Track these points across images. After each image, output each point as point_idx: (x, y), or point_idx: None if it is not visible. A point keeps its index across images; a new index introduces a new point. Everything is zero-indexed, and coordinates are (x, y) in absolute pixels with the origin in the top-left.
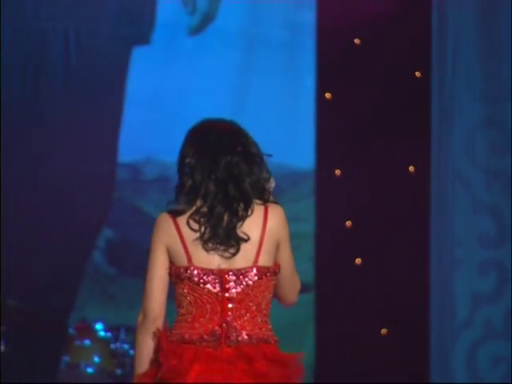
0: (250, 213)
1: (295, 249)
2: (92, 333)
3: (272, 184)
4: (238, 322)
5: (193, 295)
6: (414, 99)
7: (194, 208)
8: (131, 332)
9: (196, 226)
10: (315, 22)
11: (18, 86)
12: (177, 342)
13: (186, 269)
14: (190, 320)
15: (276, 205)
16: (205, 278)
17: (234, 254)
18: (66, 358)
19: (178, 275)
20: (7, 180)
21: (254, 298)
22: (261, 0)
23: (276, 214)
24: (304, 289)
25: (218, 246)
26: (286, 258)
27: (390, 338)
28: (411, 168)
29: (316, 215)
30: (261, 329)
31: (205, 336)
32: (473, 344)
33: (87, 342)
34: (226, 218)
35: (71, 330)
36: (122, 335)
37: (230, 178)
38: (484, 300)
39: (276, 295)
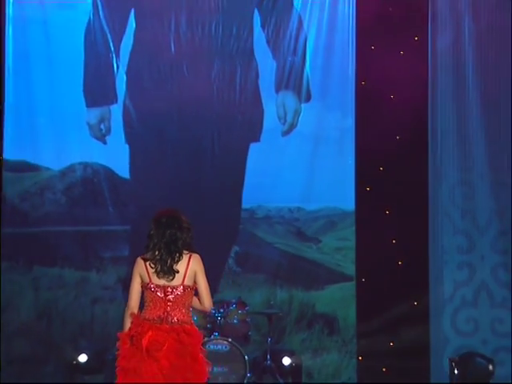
0: (180, 258)
1: (344, 256)
2: None
3: None
4: (172, 312)
5: (150, 297)
6: (417, 170)
7: (153, 257)
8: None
9: (153, 266)
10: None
11: None
12: (142, 319)
13: (148, 284)
14: (148, 309)
15: (195, 254)
16: (156, 289)
17: (172, 279)
18: None
19: (144, 287)
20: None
21: (180, 300)
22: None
23: (194, 258)
24: (349, 279)
25: (164, 275)
26: (200, 281)
27: (410, 312)
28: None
29: (356, 237)
30: (184, 316)
31: (155, 318)
32: (454, 311)
33: None
34: (168, 261)
35: None
36: (234, 305)
37: (171, 242)
38: (460, 285)
39: (199, 304)
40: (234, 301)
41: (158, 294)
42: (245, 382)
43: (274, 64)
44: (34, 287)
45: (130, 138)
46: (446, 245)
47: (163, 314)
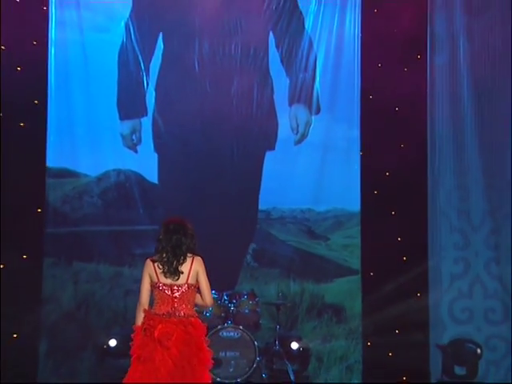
0: (185, 261)
1: (350, 252)
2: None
3: None
4: (179, 307)
5: (159, 295)
6: (418, 175)
7: (161, 259)
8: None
9: (161, 267)
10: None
11: None
12: (153, 314)
13: (156, 283)
14: (157, 305)
15: (198, 256)
16: (164, 287)
17: (177, 279)
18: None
19: (153, 286)
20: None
21: (185, 297)
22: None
23: (197, 260)
24: (355, 273)
25: (170, 275)
26: (201, 280)
27: (412, 303)
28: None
29: (361, 235)
30: (189, 311)
31: (164, 313)
32: (451, 301)
33: None
34: (174, 263)
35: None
36: (245, 296)
37: (176, 246)
38: (457, 278)
39: (201, 300)
40: (245, 292)
41: (166, 291)
42: (254, 365)
43: (288, 80)
44: (74, 281)
45: (159, 147)
46: (444, 242)
47: (171, 309)
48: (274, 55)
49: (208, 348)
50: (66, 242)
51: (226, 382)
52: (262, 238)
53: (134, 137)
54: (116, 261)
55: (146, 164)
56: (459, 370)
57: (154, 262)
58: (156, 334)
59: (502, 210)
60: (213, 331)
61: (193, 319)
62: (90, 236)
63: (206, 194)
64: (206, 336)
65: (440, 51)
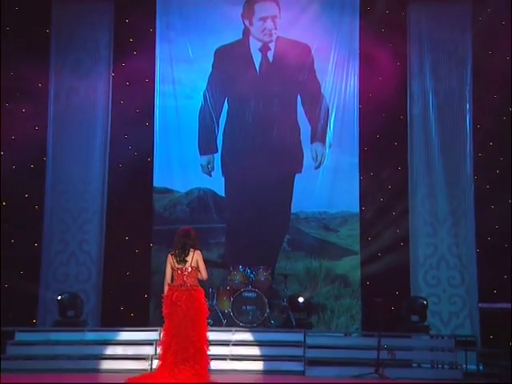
0: (188, 254)
1: (353, 240)
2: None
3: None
4: (187, 281)
5: (175, 274)
6: (401, 187)
7: (175, 254)
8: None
9: (175, 258)
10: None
11: None
12: (172, 286)
13: (174, 267)
14: (175, 280)
15: (198, 250)
16: (178, 270)
17: (184, 264)
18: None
19: (172, 269)
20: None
21: (191, 274)
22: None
23: (196, 253)
24: (356, 253)
25: (180, 262)
26: (199, 263)
27: (397, 273)
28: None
29: (360, 229)
30: (193, 282)
31: (178, 284)
32: (424, 272)
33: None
34: (182, 256)
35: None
36: (261, 269)
37: (182, 246)
38: (429, 256)
39: (200, 276)
40: (261, 267)
41: (179, 272)
42: (265, 315)
43: (310, 127)
44: None
45: (225, 172)
46: (420, 232)
47: (182, 282)
48: (300, 110)
49: (205, 304)
50: (165, 235)
51: (248, 325)
52: (293, 232)
53: (209, 166)
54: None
55: (217, 184)
56: (414, 318)
57: (172, 255)
58: (173, 298)
59: (459, 210)
60: (238, 292)
61: (195, 287)
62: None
63: (256, 202)
64: (204, 296)
65: (416, 104)
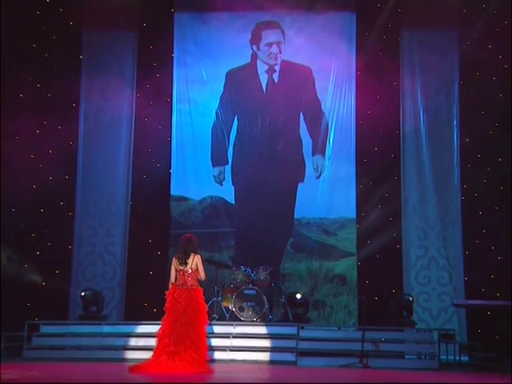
0: (189, 257)
1: (350, 243)
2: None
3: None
4: (187, 281)
5: (178, 275)
6: (394, 195)
7: (178, 257)
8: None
9: (178, 261)
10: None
11: None
12: (175, 285)
13: (177, 269)
14: (177, 280)
15: (197, 254)
16: (180, 271)
17: (185, 266)
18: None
19: (176, 270)
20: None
21: (191, 275)
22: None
23: (196, 256)
24: (352, 255)
25: (181, 264)
26: (199, 265)
27: (392, 274)
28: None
29: (356, 233)
30: (193, 282)
31: (181, 283)
32: (416, 272)
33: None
34: (183, 259)
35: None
36: (261, 269)
37: (184, 250)
38: (420, 257)
39: (199, 276)
40: (261, 267)
41: (181, 273)
42: (264, 310)
43: (311, 140)
44: None
45: (235, 182)
46: (412, 236)
47: (184, 282)
48: (302, 125)
49: (203, 301)
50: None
51: (248, 320)
52: (296, 235)
53: (220, 176)
54: (210, 249)
55: (228, 192)
56: (404, 313)
57: (175, 258)
58: (175, 295)
59: (447, 216)
60: (239, 290)
61: (195, 287)
62: (195, 235)
63: (263, 209)
64: (203, 295)
65: (408, 120)
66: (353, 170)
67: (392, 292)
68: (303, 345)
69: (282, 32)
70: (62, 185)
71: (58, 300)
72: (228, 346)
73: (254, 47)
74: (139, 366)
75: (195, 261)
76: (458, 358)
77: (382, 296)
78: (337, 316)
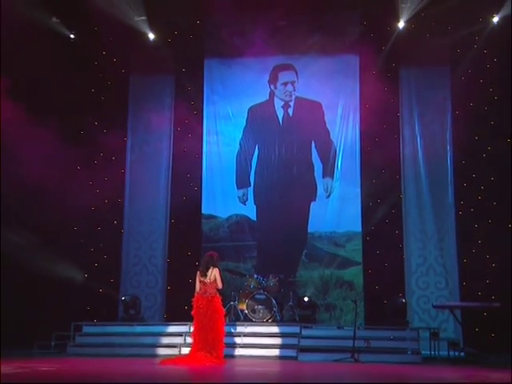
0: (209, 270)
1: (357, 253)
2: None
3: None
4: (208, 290)
5: (200, 285)
6: (396, 212)
7: (200, 270)
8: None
9: (200, 274)
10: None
11: None
12: (197, 294)
13: (200, 280)
14: (200, 290)
15: (216, 268)
16: (202, 282)
17: (206, 278)
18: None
19: (199, 281)
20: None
21: (210, 285)
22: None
23: (215, 270)
24: (359, 264)
25: (203, 276)
26: (217, 277)
27: (393, 280)
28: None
29: (362, 244)
30: (212, 291)
31: (203, 292)
32: (416, 278)
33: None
34: (204, 272)
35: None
36: (271, 277)
37: (205, 265)
38: (419, 266)
39: (218, 286)
40: (271, 274)
41: (202, 284)
42: (273, 313)
43: (321, 165)
44: None
45: (256, 202)
46: (412, 246)
47: (204, 291)
48: (314, 152)
49: (221, 307)
50: (211, 250)
51: (258, 320)
52: (310, 247)
53: (244, 197)
54: (235, 259)
55: (250, 211)
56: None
57: (199, 271)
58: (198, 303)
59: (443, 229)
60: (252, 295)
61: (214, 295)
62: (223, 247)
63: (281, 225)
64: (221, 301)
65: (407, 145)
66: (358, 190)
67: (394, 295)
68: (304, 342)
69: (296, 72)
70: (115, 207)
71: (110, 303)
72: (239, 344)
73: (272, 86)
74: (172, 359)
75: (213, 273)
76: (445, 353)
77: (387, 299)
78: (346, 317)
